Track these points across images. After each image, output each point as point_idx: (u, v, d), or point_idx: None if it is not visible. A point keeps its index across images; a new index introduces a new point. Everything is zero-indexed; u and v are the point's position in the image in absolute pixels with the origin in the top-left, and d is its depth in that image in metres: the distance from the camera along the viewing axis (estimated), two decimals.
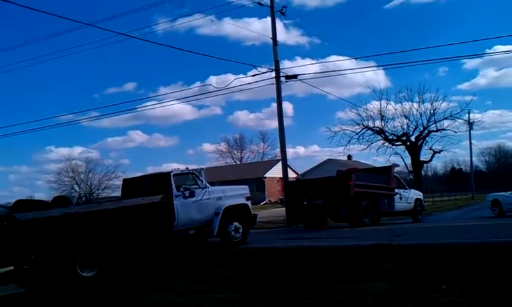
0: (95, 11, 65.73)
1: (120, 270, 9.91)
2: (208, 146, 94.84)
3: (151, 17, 60.79)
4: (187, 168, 12.78)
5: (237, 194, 12.87)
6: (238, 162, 64.36)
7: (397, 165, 23.42)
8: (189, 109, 77.55)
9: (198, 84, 79.02)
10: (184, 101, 78.39)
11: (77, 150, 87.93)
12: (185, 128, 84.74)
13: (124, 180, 13.10)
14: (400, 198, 19.07)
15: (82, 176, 55.76)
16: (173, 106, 64.04)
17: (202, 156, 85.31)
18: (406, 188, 20.23)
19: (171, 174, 11.54)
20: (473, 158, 55.26)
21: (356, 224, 15.99)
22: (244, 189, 13.33)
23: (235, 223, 12.29)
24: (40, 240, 9.18)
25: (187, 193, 11.46)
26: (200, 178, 12.11)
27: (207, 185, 12.13)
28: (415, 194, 20.90)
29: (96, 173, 55.57)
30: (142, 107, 73.58)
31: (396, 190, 18.57)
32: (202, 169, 12.90)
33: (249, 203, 12.94)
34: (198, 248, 12.08)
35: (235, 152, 66.70)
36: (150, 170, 66.23)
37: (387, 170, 19.30)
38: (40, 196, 47.14)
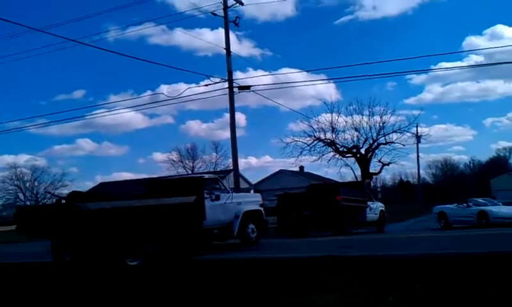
0: (44, 16, 63.67)
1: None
2: (159, 155, 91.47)
3: (101, 24, 59.83)
4: (213, 174, 14.18)
5: (253, 201, 14.56)
6: (190, 172, 64.20)
7: (369, 181, 25.90)
8: (140, 118, 76.35)
9: (149, 92, 78.31)
10: (134, 109, 77.63)
11: (23, 158, 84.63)
12: (135, 137, 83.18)
13: (148, 183, 14.20)
14: (370, 210, 21.47)
15: (27, 184, 54.64)
16: (124, 114, 62.79)
17: (153, 165, 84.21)
18: (373, 201, 22.66)
19: (204, 177, 12.97)
20: (421, 171, 57.20)
21: (340, 233, 18.09)
22: (259, 197, 15.08)
23: (252, 225, 13.89)
24: (102, 229, 9.90)
25: (213, 196, 12.82)
26: (224, 183, 13.61)
27: (230, 190, 13.64)
28: (379, 205, 23.30)
29: (42, 181, 54.87)
30: (91, 115, 72.37)
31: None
32: (225, 176, 14.41)
33: (262, 209, 14.60)
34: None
35: (187, 162, 65.55)
36: (100, 179, 64.71)
37: (360, 184, 21.73)
38: None
